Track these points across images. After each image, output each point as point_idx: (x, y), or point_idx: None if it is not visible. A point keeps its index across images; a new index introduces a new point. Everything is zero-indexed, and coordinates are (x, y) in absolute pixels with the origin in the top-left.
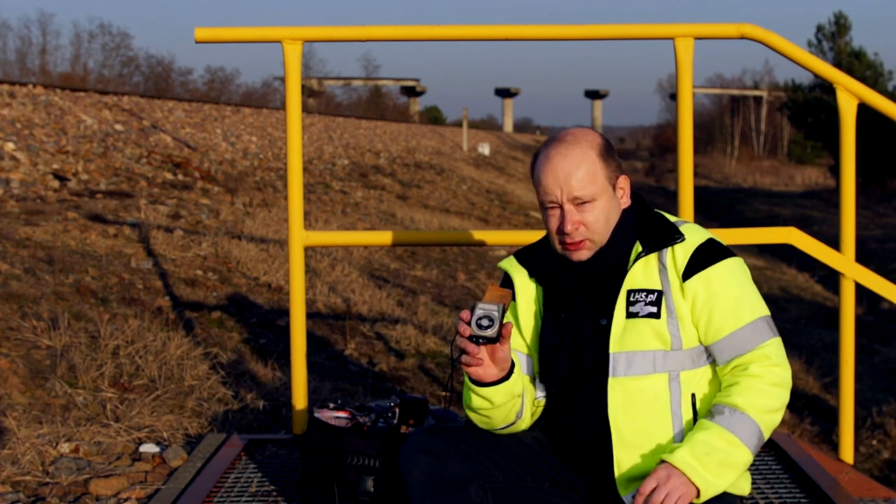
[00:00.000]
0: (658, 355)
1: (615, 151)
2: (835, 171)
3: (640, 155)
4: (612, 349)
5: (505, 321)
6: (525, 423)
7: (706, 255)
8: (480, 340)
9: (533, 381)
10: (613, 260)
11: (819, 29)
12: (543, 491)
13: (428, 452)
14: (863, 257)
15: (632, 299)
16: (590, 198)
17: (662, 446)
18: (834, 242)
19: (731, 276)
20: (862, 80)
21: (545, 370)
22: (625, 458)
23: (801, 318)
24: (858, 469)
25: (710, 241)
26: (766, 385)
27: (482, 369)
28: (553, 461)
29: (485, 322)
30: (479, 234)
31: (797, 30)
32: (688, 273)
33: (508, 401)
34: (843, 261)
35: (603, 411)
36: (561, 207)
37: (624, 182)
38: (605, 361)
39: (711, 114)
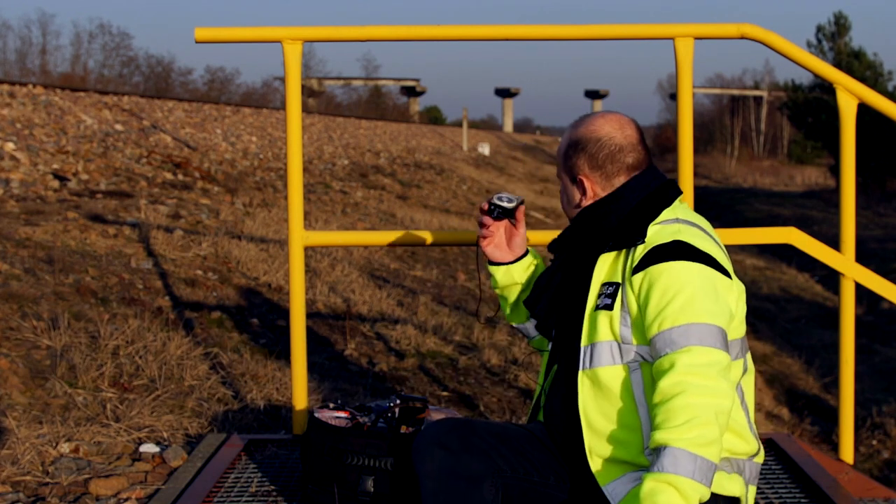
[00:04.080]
0: (613, 346)
1: (593, 153)
2: (835, 171)
3: None
4: (582, 343)
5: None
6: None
7: (659, 254)
8: (497, 211)
9: None
10: (583, 245)
11: (819, 29)
12: (549, 486)
13: (442, 446)
14: (863, 257)
15: (599, 292)
16: (558, 172)
17: (632, 435)
18: (834, 242)
19: (677, 278)
20: (862, 80)
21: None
22: (596, 445)
23: (801, 318)
24: (858, 469)
25: (675, 243)
26: (679, 400)
27: (493, 247)
28: (558, 454)
29: (504, 197)
30: None
31: (797, 30)
32: (637, 268)
33: (509, 284)
34: (843, 261)
35: (574, 401)
36: None
37: (587, 183)
38: (576, 352)
39: (711, 114)
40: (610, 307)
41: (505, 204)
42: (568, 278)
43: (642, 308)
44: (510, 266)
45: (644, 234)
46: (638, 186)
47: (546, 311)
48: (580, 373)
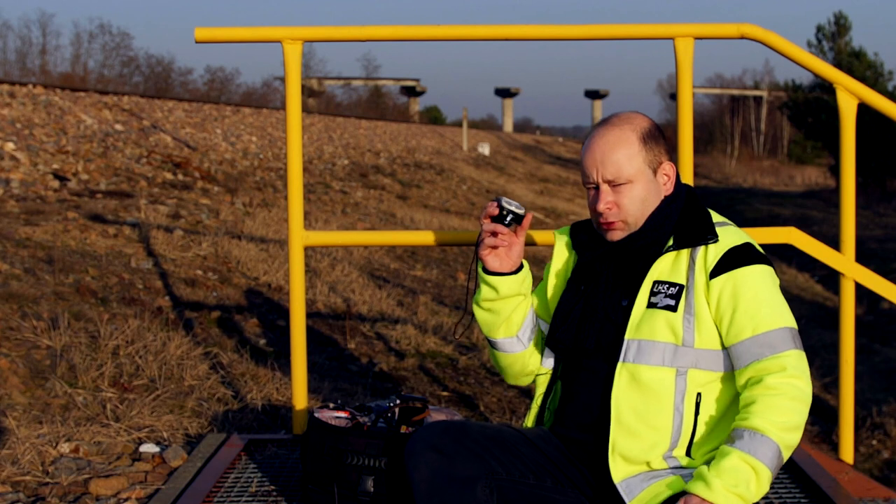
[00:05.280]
0: (668, 348)
1: (661, 137)
2: (835, 171)
3: None
4: (627, 335)
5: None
6: (527, 360)
7: (738, 257)
8: (510, 217)
9: (543, 344)
10: (644, 248)
11: (819, 29)
12: (545, 488)
13: (435, 449)
14: (863, 257)
15: (655, 290)
16: (624, 180)
17: (659, 436)
18: (834, 242)
19: (761, 281)
20: (862, 80)
21: (551, 336)
22: (620, 441)
23: (801, 318)
24: (858, 469)
25: (746, 245)
26: (784, 401)
27: (497, 257)
28: (556, 457)
29: (513, 203)
30: None
31: (797, 30)
32: (716, 272)
33: (512, 295)
34: (843, 261)
35: (607, 394)
36: (598, 187)
37: (669, 169)
38: (617, 345)
39: (711, 114)
40: (673, 308)
41: (517, 210)
42: (613, 275)
43: (724, 312)
44: (512, 276)
45: (716, 234)
46: (678, 181)
47: (574, 333)
48: (619, 364)
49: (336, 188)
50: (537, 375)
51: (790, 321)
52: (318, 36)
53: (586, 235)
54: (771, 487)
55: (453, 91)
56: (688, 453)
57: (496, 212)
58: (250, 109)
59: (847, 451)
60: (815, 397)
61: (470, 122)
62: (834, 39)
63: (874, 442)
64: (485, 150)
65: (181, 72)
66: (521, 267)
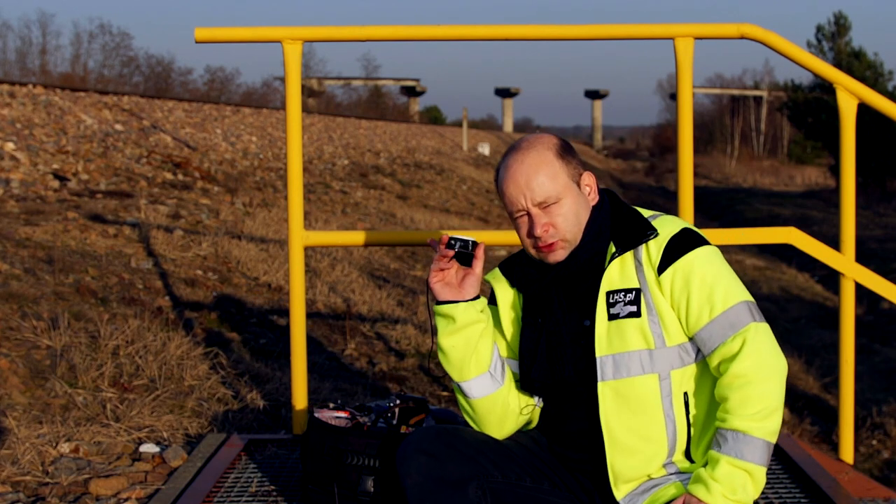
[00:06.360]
0: (644, 355)
1: (574, 150)
2: (835, 171)
3: (640, 155)
4: (598, 353)
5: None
6: (507, 398)
7: (678, 246)
8: (458, 245)
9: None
10: (587, 261)
11: (819, 29)
12: (542, 491)
13: (426, 453)
14: (863, 257)
15: (611, 300)
16: (554, 199)
17: (656, 448)
18: (834, 242)
19: (707, 264)
20: (862, 80)
21: (524, 376)
22: (618, 461)
23: (801, 318)
24: (858, 469)
25: (684, 231)
26: (755, 388)
27: (448, 287)
28: (552, 461)
29: (461, 239)
30: (479, 234)
31: (797, 30)
32: (662, 266)
33: (471, 323)
34: (843, 261)
35: (594, 416)
36: (528, 213)
37: (589, 179)
38: (591, 366)
39: (711, 114)
40: (637, 314)
41: (469, 240)
42: (565, 297)
43: (679, 303)
44: (467, 302)
45: (654, 228)
46: (599, 188)
47: (548, 366)
48: (600, 384)
49: (336, 188)
50: (529, 410)
51: (744, 295)
52: (318, 36)
53: (522, 271)
54: (771, 487)
55: (453, 91)
56: (687, 455)
57: (450, 253)
58: (250, 109)
59: (847, 451)
60: (815, 397)
61: (470, 122)
62: (834, 39)
63: (874, 442)
64: (485, 150)
65: (181, 72)
66: (478, 296)
